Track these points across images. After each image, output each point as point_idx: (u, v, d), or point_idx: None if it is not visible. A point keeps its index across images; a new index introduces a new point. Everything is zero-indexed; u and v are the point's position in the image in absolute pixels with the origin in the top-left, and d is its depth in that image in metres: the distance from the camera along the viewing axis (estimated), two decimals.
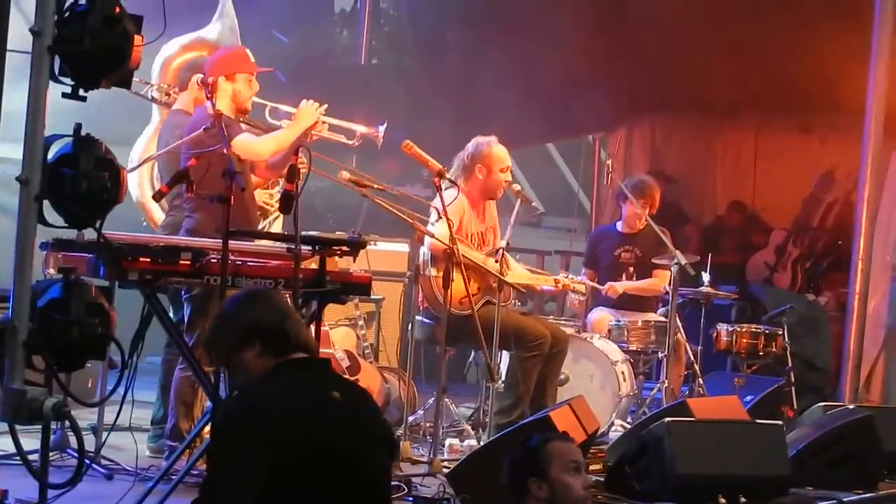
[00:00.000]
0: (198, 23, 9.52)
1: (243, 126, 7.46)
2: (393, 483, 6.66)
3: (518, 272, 8.64)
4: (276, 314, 4.38)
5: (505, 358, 8.52)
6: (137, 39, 4.23)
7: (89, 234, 4.61)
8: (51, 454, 5.03)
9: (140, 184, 9.29)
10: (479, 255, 8.20)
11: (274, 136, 7.39)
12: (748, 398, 9.38)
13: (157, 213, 8.99)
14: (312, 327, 6.39)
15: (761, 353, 10.14)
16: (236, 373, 4.36)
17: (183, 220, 7.36)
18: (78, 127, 4.17)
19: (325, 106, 7.41)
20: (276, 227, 8.28)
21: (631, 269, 10.02)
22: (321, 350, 6.79)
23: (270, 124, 7.66)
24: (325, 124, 7.47)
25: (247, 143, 7.20)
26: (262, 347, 4.28)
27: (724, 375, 10.45)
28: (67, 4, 4.13)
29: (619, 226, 10.30)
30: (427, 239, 7.94)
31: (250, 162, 7.42)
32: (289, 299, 5.41)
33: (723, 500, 6.82)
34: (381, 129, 7.75)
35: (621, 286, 9.92)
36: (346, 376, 8.67)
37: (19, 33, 4.16)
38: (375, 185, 7.51)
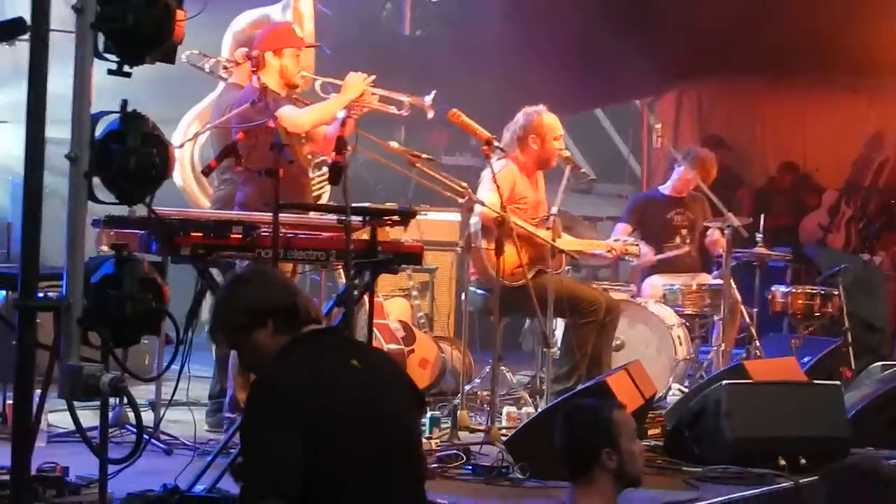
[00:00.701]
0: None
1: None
2: (451, 452, 6.70)
3: (569, 241, 8.59)
4: (284, 291, 4.36)
5: (560, 325, 8.49)
6: (180, 14, 4.23)
7: (141, 210, 4.62)
8: (110, 430, 5.04)
9: (181, 171, 9.27)
10: (530, 225, 8.15)
11: (316, 107, 7.44)
12: (805, 359, 9.34)
13: (202, 200, 8.99)
14: (366, 297, 6.41)
15: (817, 314, 10.08)
16: (249, 354, 4.34)
17: (233, 194, 7.40)
18: (124, 103, 4.17)
19: (373, 77, 7.42)
20: None
21: (684, 231, 9.94)
22: (375, 321, 6.80)
23: (320, 98, 7.68)
24: (374, 95, 7.48)
25: (290, 115, 7.21)
26: (275, 326, 4.25)
27: (781, 337, 10.40)
28: None
29: (665, 189, 10.19)
30: (477, 208, 7.92)
31: (302, 134, 7.43)
32: (342, 270, 5.40)
33: (782, 462, 6.77)
34: (429, 98, 7.74)
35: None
36: (403, 346, 8.70)
37: (56, 14, 4.15)
38: (424, 156, 7.51)
